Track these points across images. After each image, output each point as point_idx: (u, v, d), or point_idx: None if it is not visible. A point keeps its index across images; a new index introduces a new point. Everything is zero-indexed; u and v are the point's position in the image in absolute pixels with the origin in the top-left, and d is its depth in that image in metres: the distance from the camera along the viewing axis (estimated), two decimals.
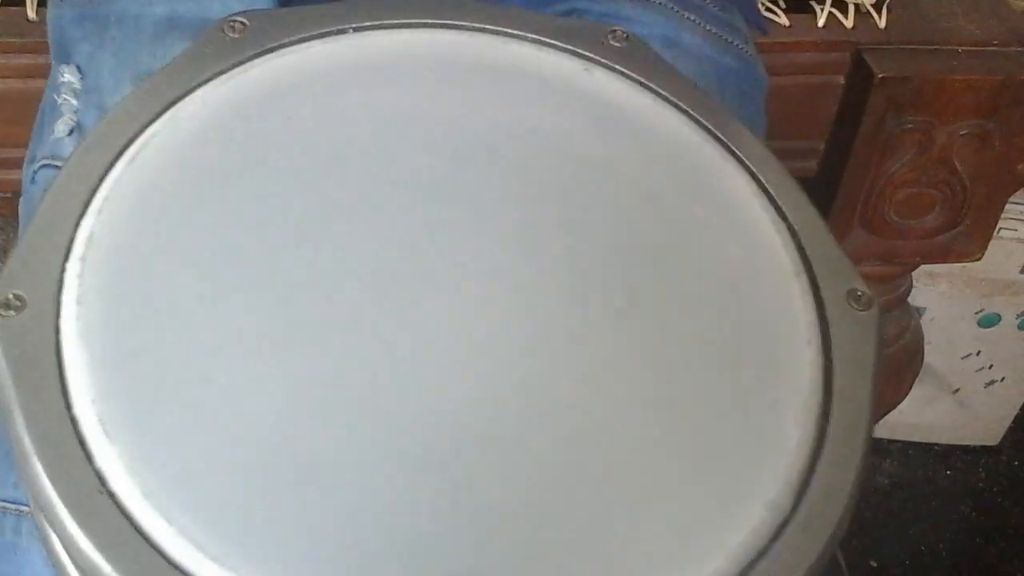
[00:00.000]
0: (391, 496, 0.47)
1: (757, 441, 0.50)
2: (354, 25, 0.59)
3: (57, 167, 0.71)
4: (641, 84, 0.60)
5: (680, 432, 0.50)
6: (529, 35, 0.61)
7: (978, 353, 1.54)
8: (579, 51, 0.61)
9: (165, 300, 0.50)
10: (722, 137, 0.58)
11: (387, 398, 0.49)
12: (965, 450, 1.66)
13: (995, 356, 1.55)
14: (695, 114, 0.59)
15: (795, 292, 0.54)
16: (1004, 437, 1.67)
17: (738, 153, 0.58)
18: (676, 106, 0.59)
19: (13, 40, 0.93)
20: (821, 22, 1.04)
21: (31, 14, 0.93)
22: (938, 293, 1.46)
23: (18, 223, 0.89)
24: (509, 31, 0.61)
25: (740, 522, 0.47)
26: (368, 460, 0.47)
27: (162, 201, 0.52)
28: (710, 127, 0.59)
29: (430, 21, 0.61)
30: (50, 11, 0.77)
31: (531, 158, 0.57)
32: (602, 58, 0.61)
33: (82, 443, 0.46)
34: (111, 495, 0.45)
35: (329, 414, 0.48)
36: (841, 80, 1.06)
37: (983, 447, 1.66)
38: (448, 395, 0.49)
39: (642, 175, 0.57)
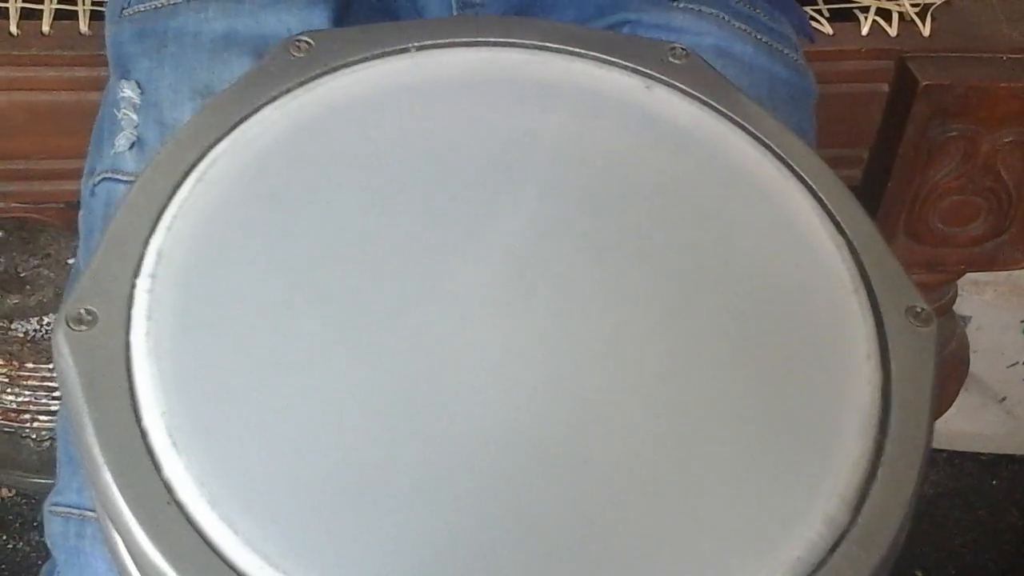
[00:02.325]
0: (454, 508, 0.47)
1: (816, 456, 0.50)
2: (416, 44, 0.60)
3: (118, 180, 0.72)
4: (701, 101, 0.60)
5: (739, 446, 0.50)
6: (590, 53, 0.61)
7: None
8: (639, 68, 0.61)
9: (232, 315, 0.51)
10: (781, 154, 0.59)
11: (450, 411, 0.50)
12: (1012, 459, 1.65)
13: None
14: (754, 131, 0.59)
15: (854, 308, 0.54)
16: None
17: (797, 169, 0.58)
18: (735, 123, 0.60)
19: (67, 53, 0.94)
20: (865, 30, 1.04)
21: (84, 28, 0.94)
22: (984, 301, 1.46)
23: (71, 234, 0.90)
24: (570, 49, 0.61)
25: (798, 537, 0.48)
26: (431, 472, 0.48)
27: (229, 219, 0.53)
28: (769, 144, 0.59)
29: (492, 40, 0.61)
30: (109, 28, 0.78)
31: (593, 176, 0.57)
32: (662, 75, 0.61)
33: (151, 454, 0.47)
34: (179, 505, 0.46)
35: (393, 427, 0.49)
36: (885, 88, 1.05)
37: None
38: (509, 409, 0.50)
39: (702, 192, 0.58)
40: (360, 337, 0.51)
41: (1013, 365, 1.54)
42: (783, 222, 0.57)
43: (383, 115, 0.58)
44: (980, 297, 1.45)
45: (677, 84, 0.61)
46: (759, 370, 0.52)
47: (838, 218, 0.57)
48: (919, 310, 0.54)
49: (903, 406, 0.52)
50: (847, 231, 0.57)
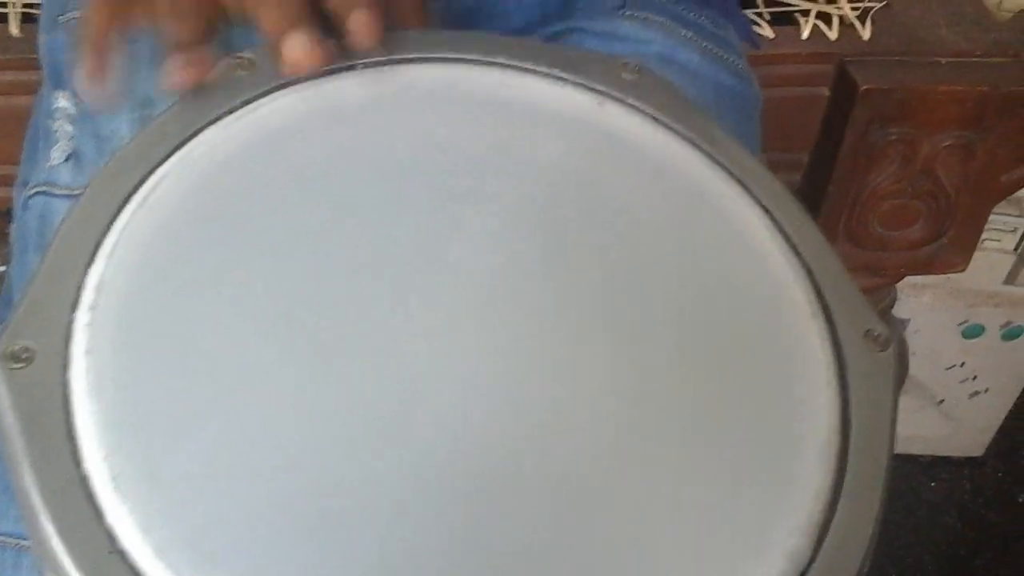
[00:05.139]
0: (409, 549, 0.46)
1: (775, 487, 0.49)
2: (364, 61, 0.58)
3: (53, 194, 0.70)
4: (654, 120, 0.59)
5: (696, 476, 0.49)
6: (541, 68, 0.60)
7: (962, 364, 1.55)
8: (592, 85, 0.60)
9: (177, 349, 0.49)
10: (737, 174, 0.58)
11: (405, 444, 0.48)
12: (950, 461, 1.67)
13: (979, 367, 1.56)
14: (709, 150, 0.58)
15: (812, 333, 0.53)
16: (988, 448, 1.68)
17: (753, 191, 0.57)
18: (690, 141, 0.59)
19: None
20: (805, 34, 1.05)
21: (14, 31, 0.92)
22: (922, 304, 1.46)
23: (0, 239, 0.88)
24: (520, 64, 0.60)
25: (758, 573, 0.47)
26: (387, 512, 0.46)
27: (173, 246, 0.51)
28: (724, 163, 0.58)
29: (441, 55, 0.60)
30: (43, 35, 0.76)
31: (547, 197, 0.56)
32: (615, 91, 0.60)
33: (92, 500, 0.44)
34: (122, 554, 0.44)
35: (350, 465, 0.47)
36: (825, 92, 1.06)
37: (968, 458, 1.67)
38: (467, 433, 0.48)
39: (657, 213, 0.57)
40: (312, 370, 0.49)
41: (951, 368, 1.55)
42: (740, 245, 0.56)
43: (331, 135, 0.56)
44: (918, 300, 1.46)
45: (630, 102, 0.60)
46: (716, 398, 0.51)
47: (794, 240, 0.56)
48: (876, 334, 0.54)
49: (862, 434, 0.51)
50: (803, 253, 0.56)
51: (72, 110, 0.71)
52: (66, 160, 0.70)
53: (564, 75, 0.60)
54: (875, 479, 0.50)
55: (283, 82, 0.57)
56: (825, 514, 0.48)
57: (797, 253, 0.56)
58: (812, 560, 0.47)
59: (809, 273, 0.55)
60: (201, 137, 0.54)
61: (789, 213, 0.57)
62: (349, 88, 0.58)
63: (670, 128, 0.59)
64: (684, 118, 0.59)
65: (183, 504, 0.45)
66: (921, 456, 1.66)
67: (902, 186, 1.08)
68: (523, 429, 0.49)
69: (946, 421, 1.61)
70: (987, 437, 1.65)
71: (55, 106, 0.71)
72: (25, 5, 0.93)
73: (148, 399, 0.47)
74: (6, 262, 0.83)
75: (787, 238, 0.56)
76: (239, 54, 0.57)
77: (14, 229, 0.74)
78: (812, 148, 1.09)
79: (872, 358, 0.53)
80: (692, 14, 0.81)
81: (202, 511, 0.45)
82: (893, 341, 0.54)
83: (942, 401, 1.59)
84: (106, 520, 0.44)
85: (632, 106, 0.60)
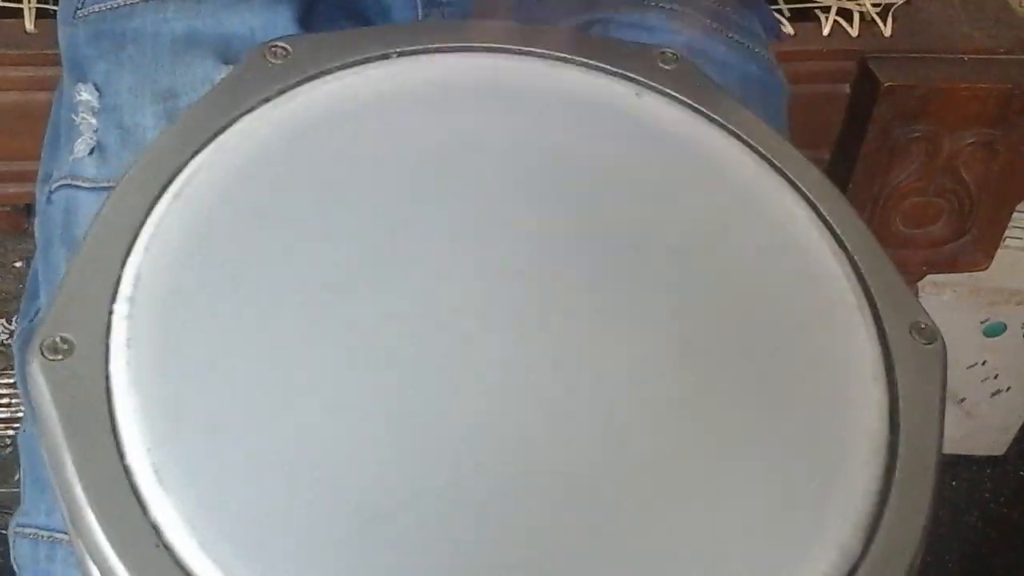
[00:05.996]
0: (452, 543, 0.45)
1: (824, 481, 0.48)
2: (398, 50, 0.57)
3: (78, 187, 0.69)
4: (692, 108, 0.58)
5: (746, 473, 0.49)
6: (579, 58, 0.59)
7: (983, 363, 1.54)
8: (629, 74, 0.59)
9: (216, 341, 0.48)
10: (777, 163, 0.57)
11: (453, 440, 0.47)
12: (971, 460, 1.66)
13: (1001, 366, 1.55)
14: (748, 139, 0.58)
15: (859, 326, 0.53)
16: (1010, 447, 1.67)
17: (795, 180, 0.57)
18: (729, 131, 0.58)
19: (11, 52, 0.91)
20: (826, 31, 1.04)
21: (29, 26, 0.91)
22: (943, 302, 1.45)
23: (18, 236, 0.88)
24: (557, 54, 0.59)
25: (810, 566, 0.46)
26: (428, 505, 0.46)
27: (210, 237, 0.50)
28: (764, 152, 0.57)
29: (477, 45, 0.59)
30: (62, 29, 0.75)
31: (584, 186, 0.55)
32: (652, 81, 0.59)
33: (136, 494, 0.44)
34: (168, 548, 0.43)
35: (392, 458, 0.46)
36: (847, 89, 1.05)
37: (989, 457, 1.66)
38: (513, 438, 0.48)
39: (698, 204, 0.56)
40: (352, 363, 0.48)
41: (972, 366, 1.54)
42: (785, 238, 0.55)
43: (366, 125, 0.56)
44: (939, 298, 1.45)
45: (668, 91, 0.59)
46: (765, 394, 0.51)
47: (837, 231, 0.55)
48: (923, 326, 0.53)
49: (911, 428, 0.50)
50: (847, 244, 0.55)
51: (95, 103, 0.70)
52: (90, 153, 0.70)
53: (601, 64, 0.59)
54: (925, 474, 0.49)
55: (318, 71, 0.56)
56: (875, 509, 0.48)
57: (842, 246, 0.55)
58: (864, 554, 0.46)
59: (855, 266, 0.55)
60: (236, 127, 0.54)
61: (833, 205, 0.56)
62: (384, 77, 0.57)
63: (708, 118, 0.58)
64: (722, 107, 0.59)
65: (227, 499, 0.44)
66: (942, 455, 1.64)
67: (924, 184, 1.07)
68: (575, 430, 0.48)
69: (967, 420, 1.60)
70: (1008, 436, 1.65)
71: (77, 99, 0.71)
72: (40, 0, 0.92)
73: (189, 392, 0.46)
74: (25, 257, 0.82)
75: (832, 231, 0.56)
76: (273, 42, 0.56)
77: (37, 224, 0.73)
78: (834, 145, 1.08)
79: (919, 351, 0.53)
80: (718, 5, 0.81)
81: (244, 504, 0.44)
82: (940, 334, 0.53)
83: (963, 400, 1.58)
84: (151, 514, 0.44)
85: (671, 96, 0.59)
